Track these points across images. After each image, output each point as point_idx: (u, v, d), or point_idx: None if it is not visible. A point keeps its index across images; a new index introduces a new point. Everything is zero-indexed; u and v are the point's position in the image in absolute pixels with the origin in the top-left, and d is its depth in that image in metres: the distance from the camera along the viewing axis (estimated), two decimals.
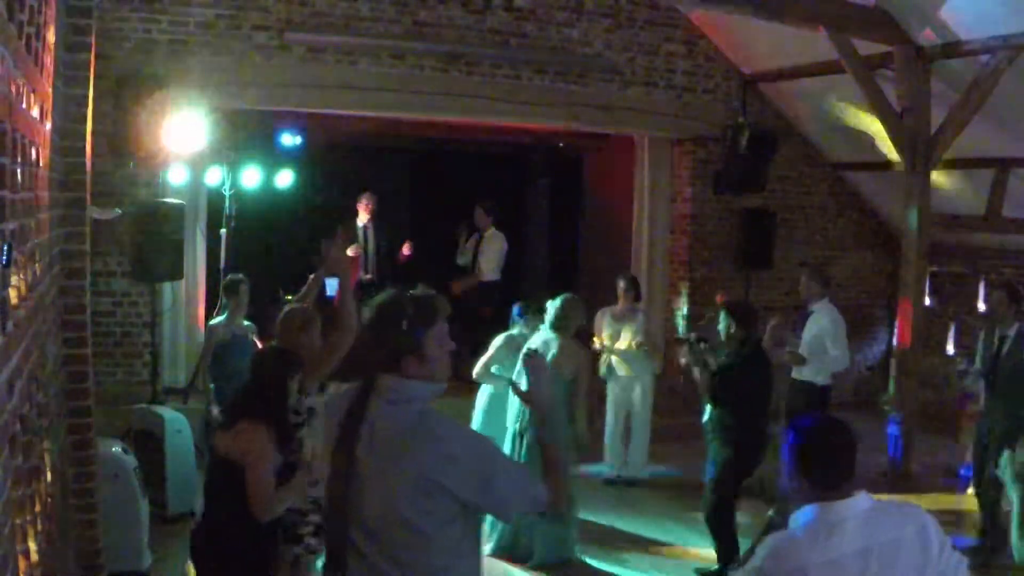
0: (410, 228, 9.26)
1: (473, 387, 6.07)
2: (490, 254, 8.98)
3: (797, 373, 6.59)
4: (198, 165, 7.10)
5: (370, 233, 8.75)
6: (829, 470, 2.28)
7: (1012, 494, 5.41)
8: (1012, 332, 5.51)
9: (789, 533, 2.29)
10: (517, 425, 5.38)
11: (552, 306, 5.59)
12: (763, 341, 5.76)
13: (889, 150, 7.70)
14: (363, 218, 8.73)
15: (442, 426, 2.30)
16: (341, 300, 4.12)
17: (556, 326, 5.52)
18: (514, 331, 5.95)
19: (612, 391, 7.12)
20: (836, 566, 2.18)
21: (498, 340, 5.90)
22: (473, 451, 2.30)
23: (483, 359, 5.86)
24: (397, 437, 2.25)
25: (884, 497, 2.38)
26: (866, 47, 7.13)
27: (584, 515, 5.90)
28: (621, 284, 7.10)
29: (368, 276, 8.60)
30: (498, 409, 5.73)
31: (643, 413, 7.09)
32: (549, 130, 9.55)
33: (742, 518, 5.34)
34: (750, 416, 5.13)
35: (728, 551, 5.18)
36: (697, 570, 5.38)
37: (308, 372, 3.98)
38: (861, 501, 2.26)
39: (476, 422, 5.91)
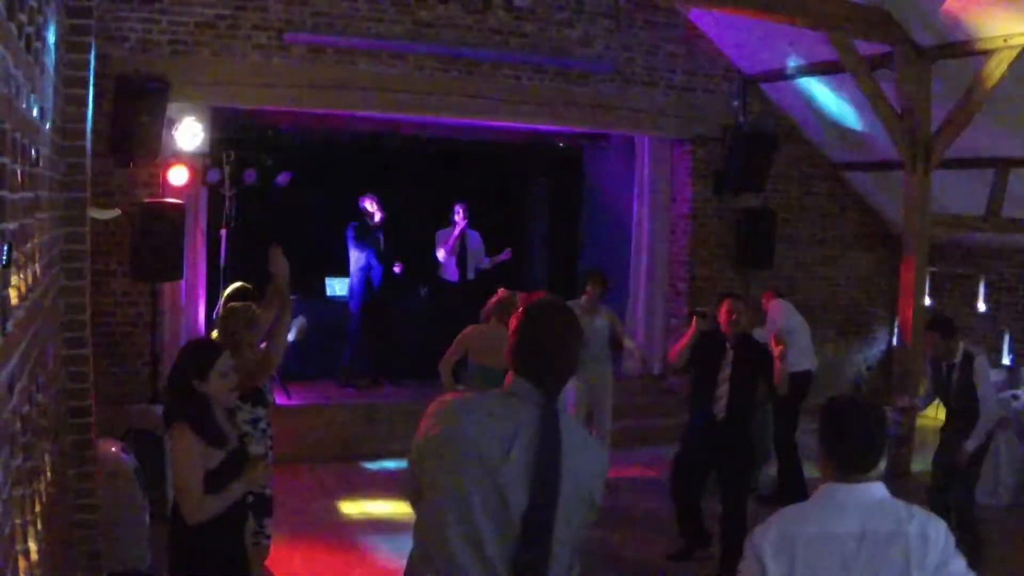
0: (409, 229, 9.24)
1: None
2: (474, 254, 9.02)
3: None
4: (198, 165, 7.11)
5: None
6: (846, 452, 2.34)
7: None
8: (958, 360, 5.55)
9: (790, 508, 2.40)
10: None
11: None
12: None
13: (889, 150, 7.70)
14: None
15: (588, 435, 2.35)
16: (280, 318, 4.24)
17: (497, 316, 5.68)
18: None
19: (579, 389, 6.85)
20: (826, 541, 2.26)
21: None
22: (604, 464, 2.33)
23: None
24: (568, 450, 2.21)
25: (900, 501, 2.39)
26: (866, 47, 7.14)
27: None
28: (597, 280, 6.95)
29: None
30: None
31: (607, 412, 6.99)
32: (549, 130, 9.55)
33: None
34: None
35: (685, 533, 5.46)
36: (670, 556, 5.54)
37: (242, 379, 3.91)
38: (874, 489, 2.32)
39: None
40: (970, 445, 5.38)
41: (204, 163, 7.14)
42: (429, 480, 2.25)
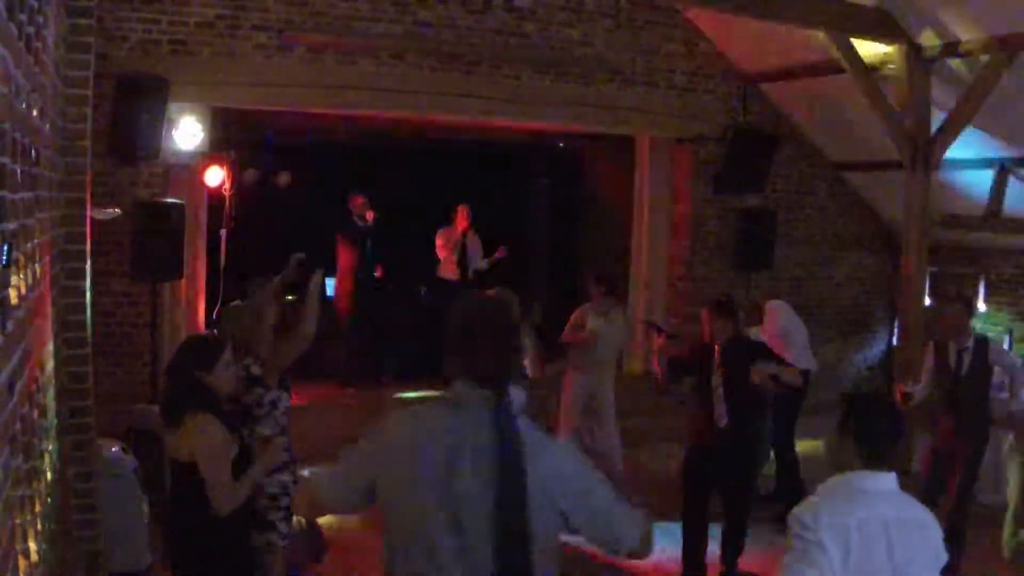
0: (409, 228, 9.25)
1: None
2: (473, 256, 9.05)
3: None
4: (198, 165, 7.11)
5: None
6: (875, 444, 2.48)
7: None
8: (970, 344, 5.44)
9: (827, 497, 2.49)
10: None
11: None
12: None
13: (889, 150, 7.70)
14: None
15: (548, 437, 2.20)
16: (308, 305, 4.25)
17: None
18: None
19: (578, 384, 6.95)
20: (872, 525, 2.38)
21: None
22: (578, 468, 2.17)
23: None
24: (520, 450, 2.08)
25: None
26: (866, 47, 7.14)
27: None
28: (592, 282, 7.08)
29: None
30: None
31: (610, 408, 7.00)
32: (549, 130, 9.55)
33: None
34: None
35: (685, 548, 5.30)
36: None
37: (266, 367, 3.97)
38: (892, 479, 2.49)
39: None
40: (1014, 405, 5.41)
41: (204, 163, 7.15)
42: (385, 495, 2.17)
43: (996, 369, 5.58)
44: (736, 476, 5.27)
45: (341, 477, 2.32)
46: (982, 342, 5.48)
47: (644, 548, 2.24)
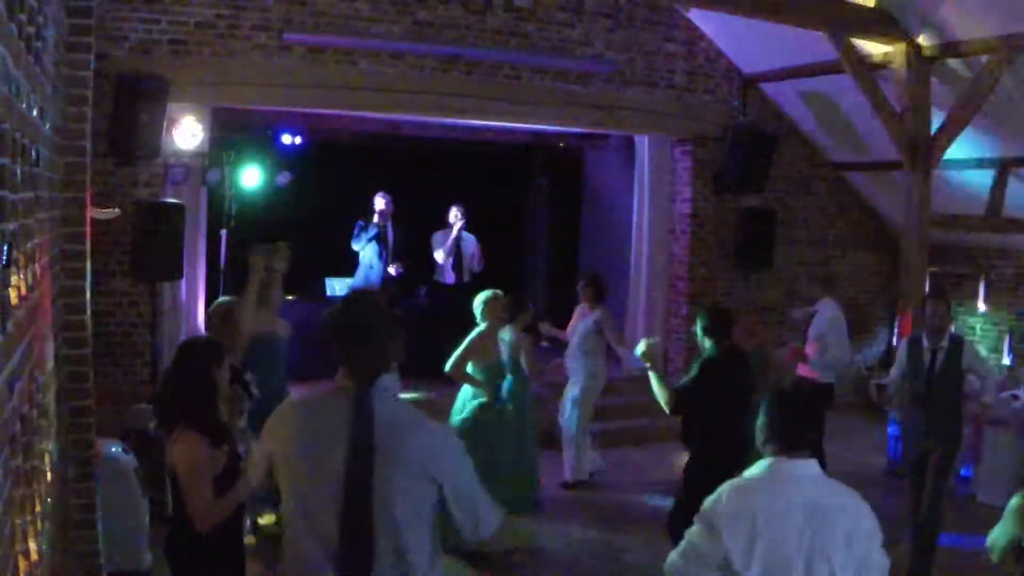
0: (409, 229, 9.24)
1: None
2: (466, 255, 9.04)
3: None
4: (198, 165, 7.11)
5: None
6: (792, 430, 2.65)
7: None
8: (944, 344, 5.34)
9: (740, 481, 2.66)
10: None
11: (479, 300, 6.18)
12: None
13: (889, 150, 7.70)
14: (380, 215, 8.78)
15: (422, 417, 2.41)
16: (242, 300, 4.48)
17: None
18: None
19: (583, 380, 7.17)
20: (783, 513, 2.50)
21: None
22: (453, 447, 2.43)
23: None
24: (391, 430, 2.32)
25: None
26: (866, 47, 7.14)
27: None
28: (580, 284, 7.30)
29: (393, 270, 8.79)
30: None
31: (569, 415, 6.99)
32: (549, 130, 9.55)
33: None
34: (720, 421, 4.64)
35: None
36: None
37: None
38: (813, 465, 2.63)
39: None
40: (990, 398, 5.49)
41: (204, 163, 7.15)
42: (279, 469, 2.42)
43: (969, 377, 5.51)
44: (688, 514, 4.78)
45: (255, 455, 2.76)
46: (956, 342, 5.39)
47: (499, 541, 2.55)
